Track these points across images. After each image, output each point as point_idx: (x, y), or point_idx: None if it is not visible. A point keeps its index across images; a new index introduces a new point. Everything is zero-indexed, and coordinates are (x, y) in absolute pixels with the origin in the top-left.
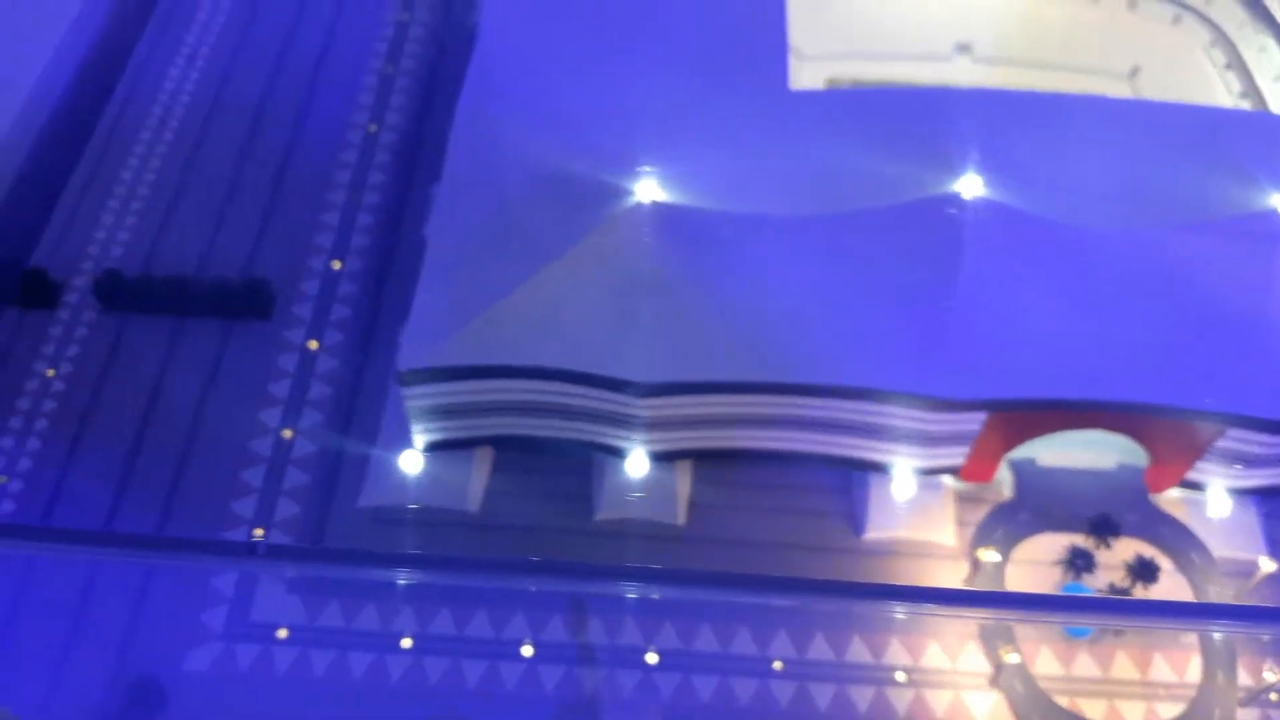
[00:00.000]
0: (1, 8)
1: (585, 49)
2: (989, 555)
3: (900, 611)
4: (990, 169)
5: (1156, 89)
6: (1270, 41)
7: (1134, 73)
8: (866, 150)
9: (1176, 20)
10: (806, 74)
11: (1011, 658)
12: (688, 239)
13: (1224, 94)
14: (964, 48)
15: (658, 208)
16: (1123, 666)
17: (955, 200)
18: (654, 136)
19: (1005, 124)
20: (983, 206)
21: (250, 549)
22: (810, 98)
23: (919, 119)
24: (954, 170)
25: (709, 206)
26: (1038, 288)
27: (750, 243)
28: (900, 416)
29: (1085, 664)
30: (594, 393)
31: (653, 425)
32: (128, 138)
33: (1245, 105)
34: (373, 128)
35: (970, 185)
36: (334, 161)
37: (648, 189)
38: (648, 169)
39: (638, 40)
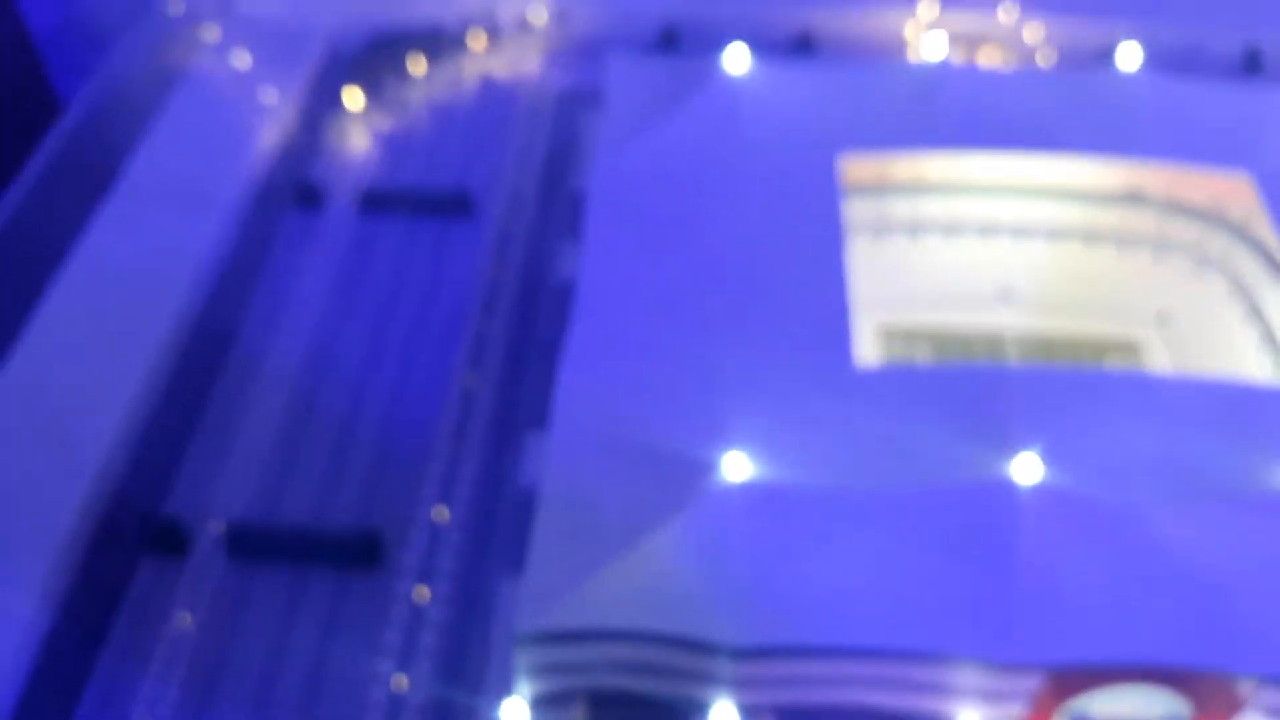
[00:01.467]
0: (127, 268)
1: (673, 316)
2: None
3: None
4: (1042, 448)
5: (1183, 336)
6: None
7: (1162, 318)
8: (929, 428)
9: (1197, 271)
10: (861, 320)
11: None
12: (770, 513)
13: (1244, 342)
14: (1006, 295)
15: (743, 485)
16: None
17: (1008, 481)
18: (735, 412)
19: (1057, 402)
20: (1035, 486)
21: None
22: (876, 376)
23: (976, 397)
24: (1009, 449)
25: (789, 481)
26: (1088, 558)
27: (825, 515)
28: (965, 677)
29: None
30: (689, 654)
31: (741, 683)
32: (247, 391)
33: (1265, 354)
34: (471, 378)
35: (1024, 466)
36: (436, 412)
37: (733, 465)
38: (731, 444)
39: (718, 308)
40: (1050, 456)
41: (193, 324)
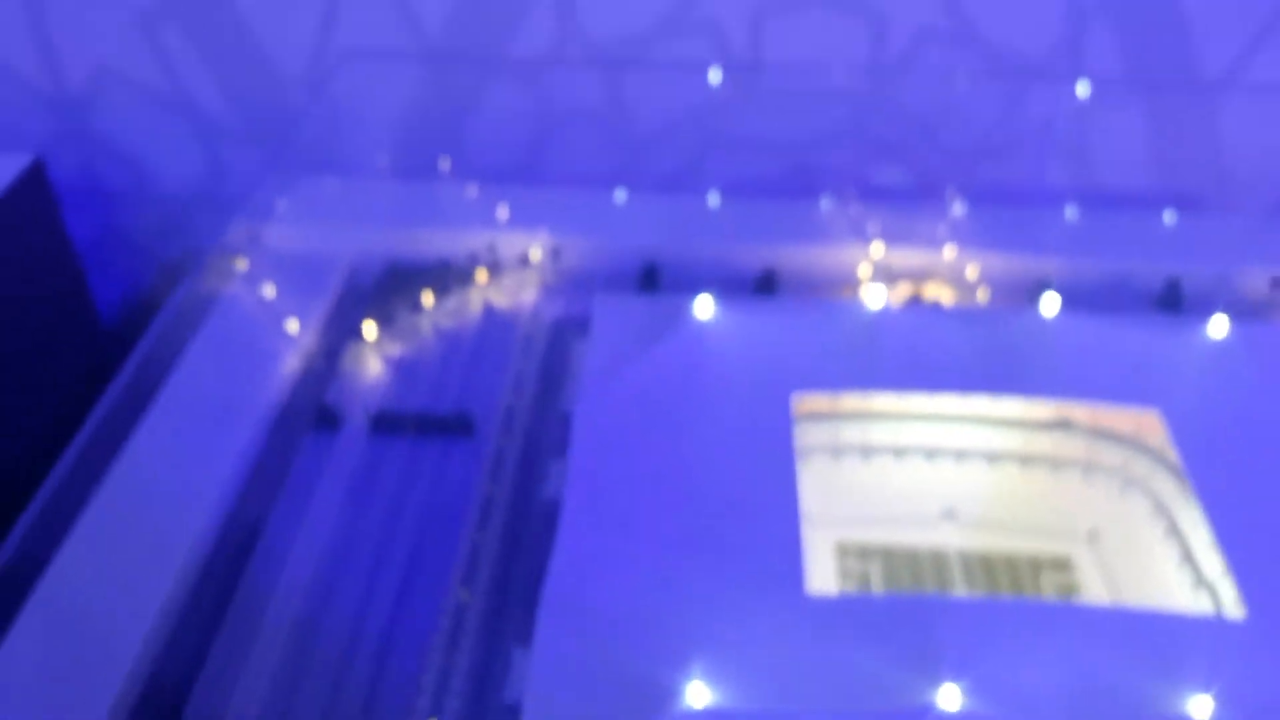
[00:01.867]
0: (160, 482)
1: (645, 543)
2: None
3: None
4: (971, 675)
5: (1111, 552)
6: (1199, 513)
7: (1092, 534)
8: (870, 655)
9: (1123, 492)
10: (818, 537)
11: None
12: None
13: (1165, 558)
14: (950, 514)
15: (702, 713)
16: None
17: (933, 707)
18: (697, 641)
19: (988, 631)
20: (957, 713)
21: None
22: (825, 604)
23: (914, 626)
24: (940, 676)
25: (744, 707)
26: None
27: None
28: None
29: None
30: None
31: None
32: (261, 601)
33: (1185, 571)
34: (465, 594)
35: (947, 696)
36: (431, 625)
37: (695, 693)
38: (693, 672)
39: (684, 539)
40: (976, 684)
41: (216, 539)
